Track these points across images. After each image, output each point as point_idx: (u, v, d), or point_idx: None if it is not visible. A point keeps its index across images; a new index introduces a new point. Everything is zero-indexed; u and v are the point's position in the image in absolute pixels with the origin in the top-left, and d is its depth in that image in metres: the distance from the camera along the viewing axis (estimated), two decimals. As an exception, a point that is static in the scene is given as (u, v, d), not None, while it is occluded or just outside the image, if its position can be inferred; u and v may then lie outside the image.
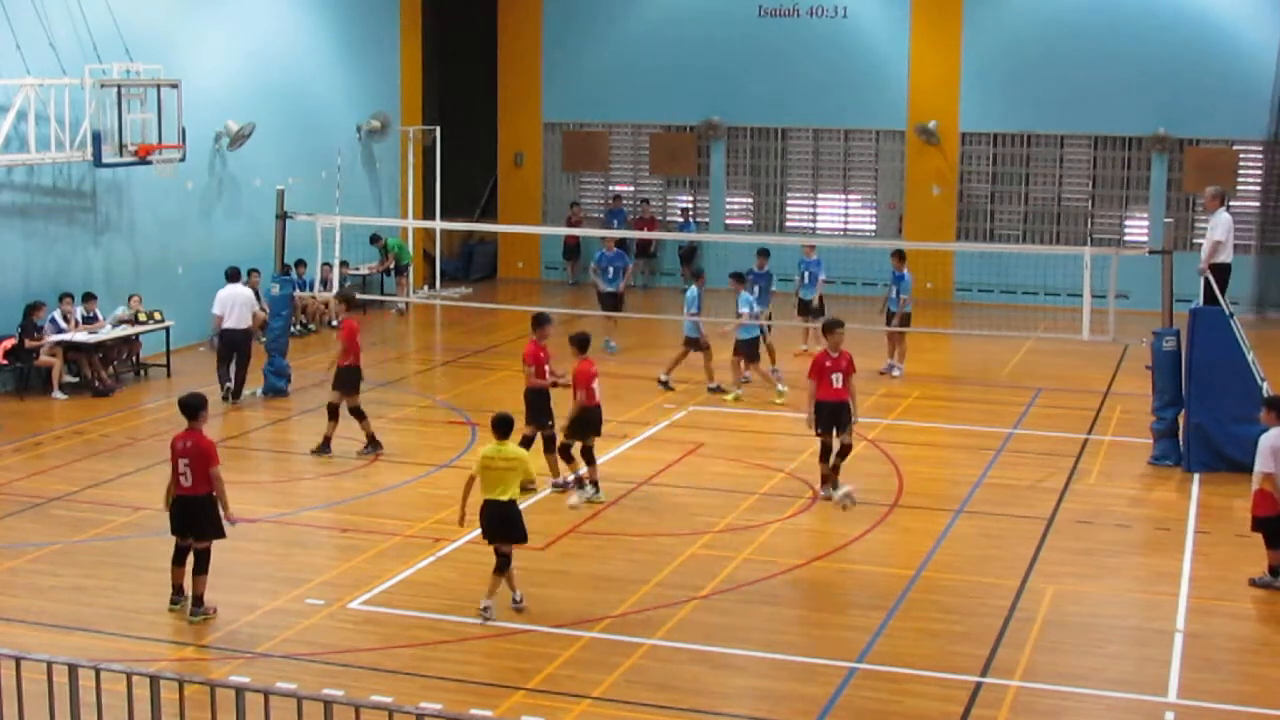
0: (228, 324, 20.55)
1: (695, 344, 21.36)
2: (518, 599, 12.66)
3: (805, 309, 23.81)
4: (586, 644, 11.97)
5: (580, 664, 11.59)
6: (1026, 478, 17.14)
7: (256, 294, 21.70)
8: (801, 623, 12.58)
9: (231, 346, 20.64)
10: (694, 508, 15.78)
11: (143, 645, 11.93)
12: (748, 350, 21.07)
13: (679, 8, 31.58)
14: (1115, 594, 13.42)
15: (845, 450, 16.05)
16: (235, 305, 20.60)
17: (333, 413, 17.69)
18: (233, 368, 20.61)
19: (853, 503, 15.55)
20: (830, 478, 16.00)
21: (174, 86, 22.14)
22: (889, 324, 22.47)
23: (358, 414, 17.61)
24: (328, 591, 13.05)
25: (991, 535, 15.04)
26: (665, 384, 21.33)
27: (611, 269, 24.33)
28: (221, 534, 12.62)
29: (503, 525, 12.50)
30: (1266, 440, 13.45)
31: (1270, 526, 13.44)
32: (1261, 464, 13.38)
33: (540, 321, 16.56)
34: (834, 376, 15.90)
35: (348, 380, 17.64)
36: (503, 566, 12.53)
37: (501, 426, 12.77)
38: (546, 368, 16.13)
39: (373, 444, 17.67)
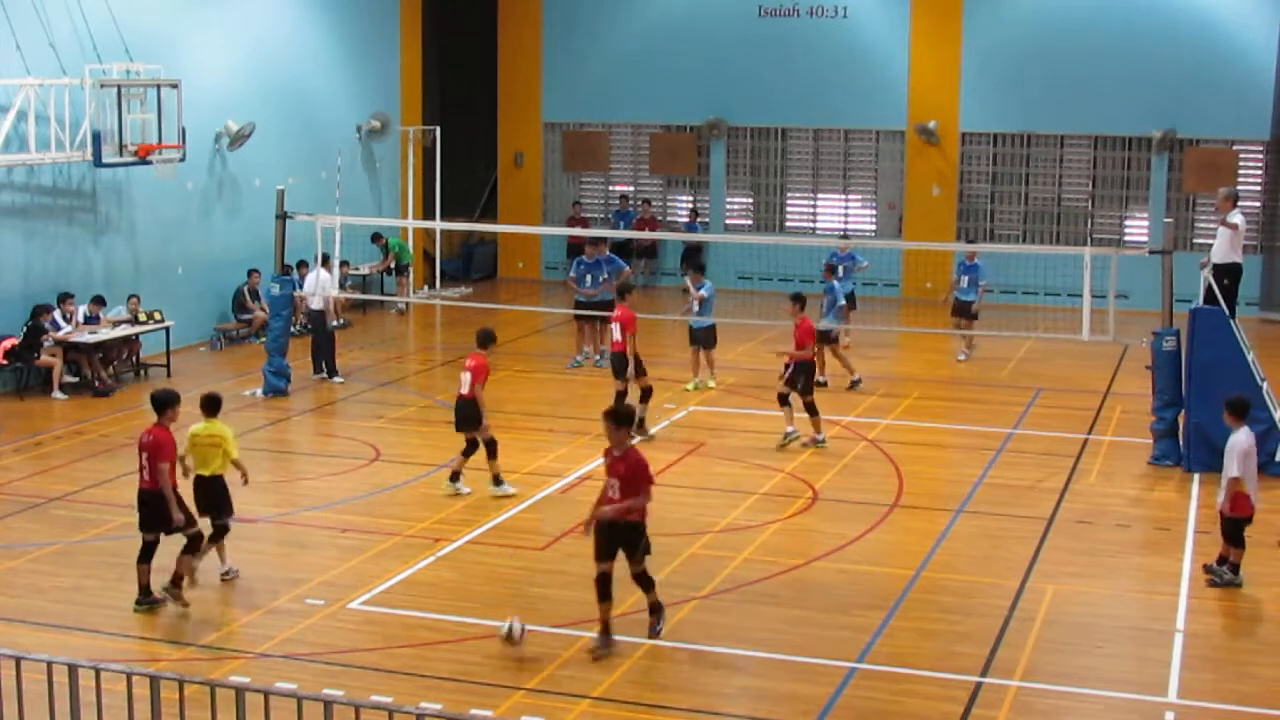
0: (314, 305, 22.08)
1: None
2: (227, 570, 13.23)
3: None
4: (587, 644, 11.96)
5: (580, 664, 11.57)
6: (1026, 478, 17.13)
7: (255, 293, 21.77)
8: (801, 623, 12.55)
9: (317, 327, 22.25)
10: (694, 508, 15.77)
11: (143, 645, 11.95)
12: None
13: (679, 8, 31.58)
14: (1115, 594, 13.42)
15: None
16: (318, 288, 22.18)
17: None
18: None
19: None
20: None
21: (174, 86, 22.13)
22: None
23: None
24: (328, 591, 13.04)
25: (991, 535, 15.03)
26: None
27: (589, 276, 22.86)
28: (190, 524, 12.78)
29: (212, 499, 13.07)
30: (1232, 443, 13.45)
31: (1240, 527, 13.47)
32: (1228, 468, 13.38)
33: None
34: None
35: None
36: (218, 536, 13.13)
37: (209, 405, 13.27)
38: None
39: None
